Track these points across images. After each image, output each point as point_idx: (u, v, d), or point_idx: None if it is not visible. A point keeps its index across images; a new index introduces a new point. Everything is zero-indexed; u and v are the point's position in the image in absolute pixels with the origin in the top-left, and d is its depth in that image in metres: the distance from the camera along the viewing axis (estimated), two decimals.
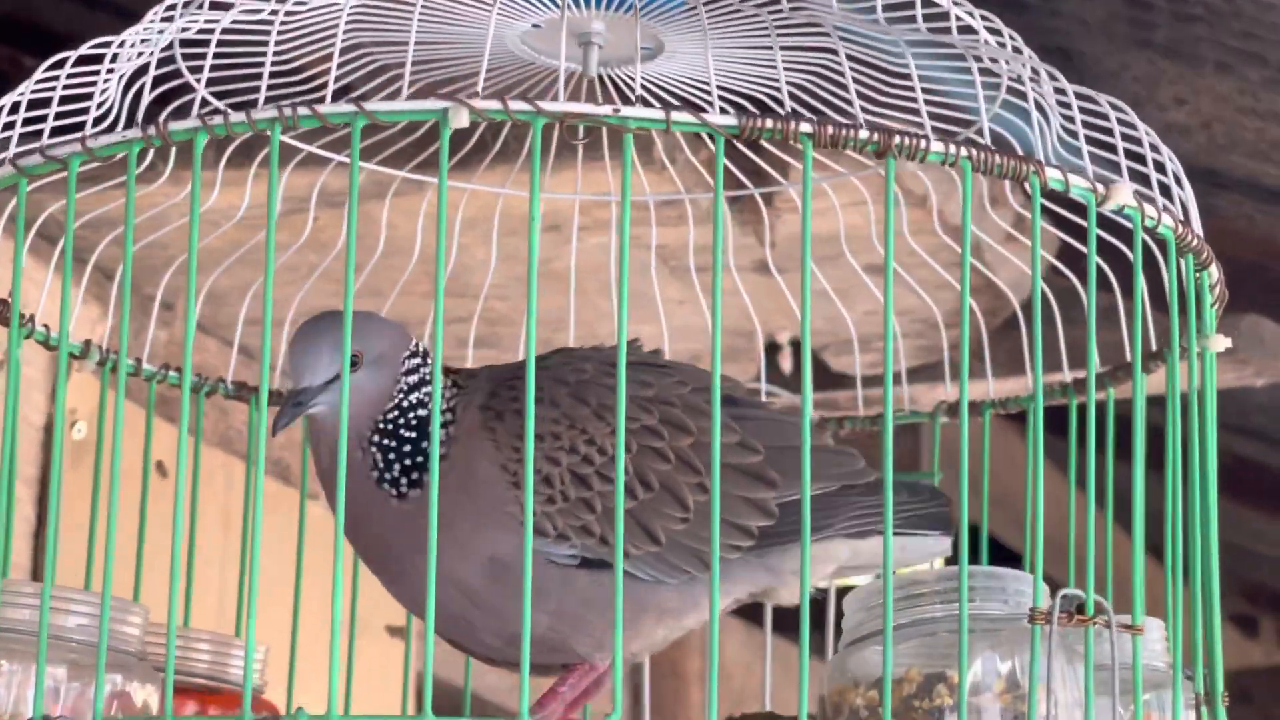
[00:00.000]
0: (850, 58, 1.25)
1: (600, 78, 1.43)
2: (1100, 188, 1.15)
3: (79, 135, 1.13)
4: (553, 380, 1.27)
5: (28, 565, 1.91)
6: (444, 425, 1.26)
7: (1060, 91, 1.21)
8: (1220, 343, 1.23)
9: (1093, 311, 1.18)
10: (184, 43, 1.28)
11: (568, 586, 1.24)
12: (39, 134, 1.17)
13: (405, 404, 1.27)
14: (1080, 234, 1.26)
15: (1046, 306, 1.56)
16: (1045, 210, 1.87)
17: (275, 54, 1.28)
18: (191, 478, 1.19)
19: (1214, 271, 1.24)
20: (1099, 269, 1.37)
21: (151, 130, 1.11)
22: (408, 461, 1.26)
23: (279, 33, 1.28)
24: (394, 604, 1.33)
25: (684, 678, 3.01)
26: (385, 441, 1.26)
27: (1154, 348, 1.38)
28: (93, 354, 1.47)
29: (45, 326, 1.43)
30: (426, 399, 1.27)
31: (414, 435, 1.26)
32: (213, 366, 1.95)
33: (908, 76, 1.16)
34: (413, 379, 1.28)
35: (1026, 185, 1.11)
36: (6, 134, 1.20)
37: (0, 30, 2.17)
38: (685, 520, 1.25)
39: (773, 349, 2.23)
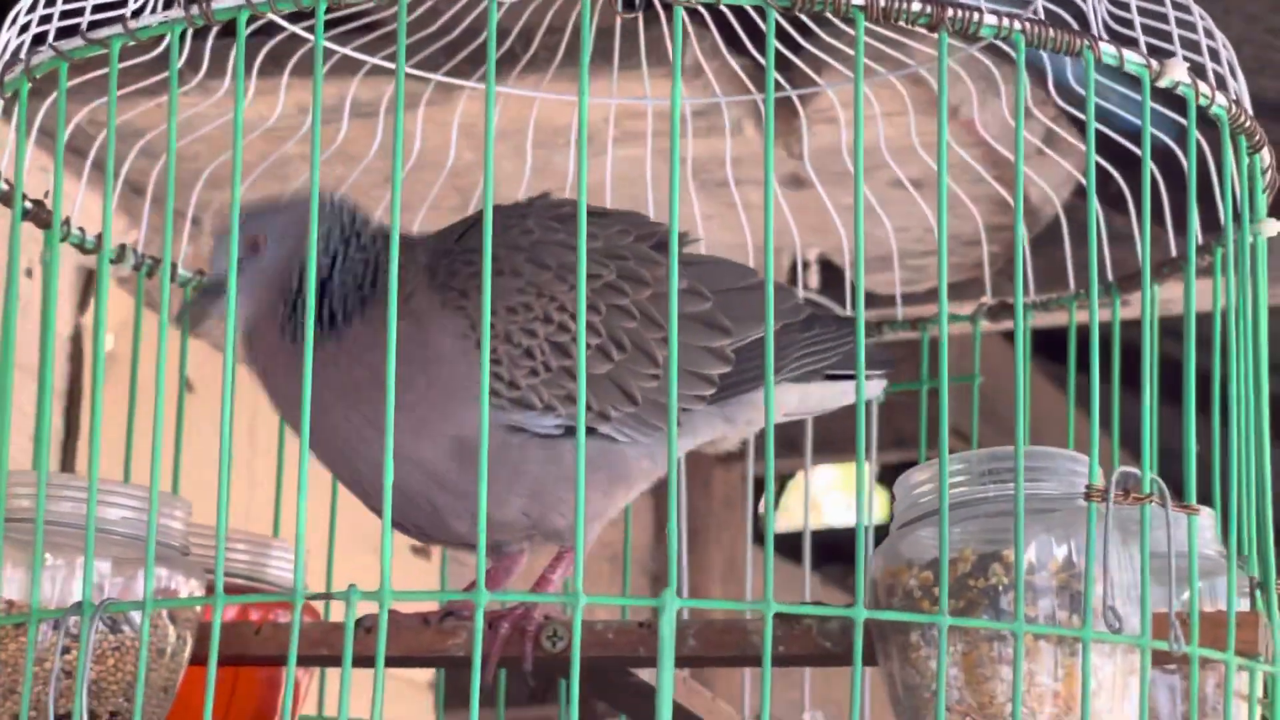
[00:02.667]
0: None
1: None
2: (1154, 63, 1.14)
3: (119, 14, 1.12)
4: (507, 247, 1.25)
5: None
6: (370, 283, 1.24)
7: None
8: (1272, 227, 1.22)
9: (1147, 196, 1.16)
10: None
11: (552, 460, 1.22)
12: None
13: (324, 260, 1.25)
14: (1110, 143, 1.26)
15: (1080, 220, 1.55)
16: (1073, 123, 1.85)
17: None
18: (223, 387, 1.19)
19: (1266, 156, 1.23)
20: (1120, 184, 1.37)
21: (195, 10, 1.09)
22: (319, 313, 1.23)
23: None
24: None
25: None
26: (297, 304, 1.24)
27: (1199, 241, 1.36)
28: (128, 257, 1.46)
29: (81, 229, 1.42)
30: (325, 265, 1.24)
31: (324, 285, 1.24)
32: None
33: None
34: (334, 237, 1.25)
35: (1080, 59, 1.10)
36: (44, 27, 1.19)
37: None
38: (655, 377, 1.24)
39: (801, 267, 2.22)
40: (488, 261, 1.06)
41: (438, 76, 1.53)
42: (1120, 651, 1.09)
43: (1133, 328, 1.51)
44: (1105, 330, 1.50)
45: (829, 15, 1.05)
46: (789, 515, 3.96)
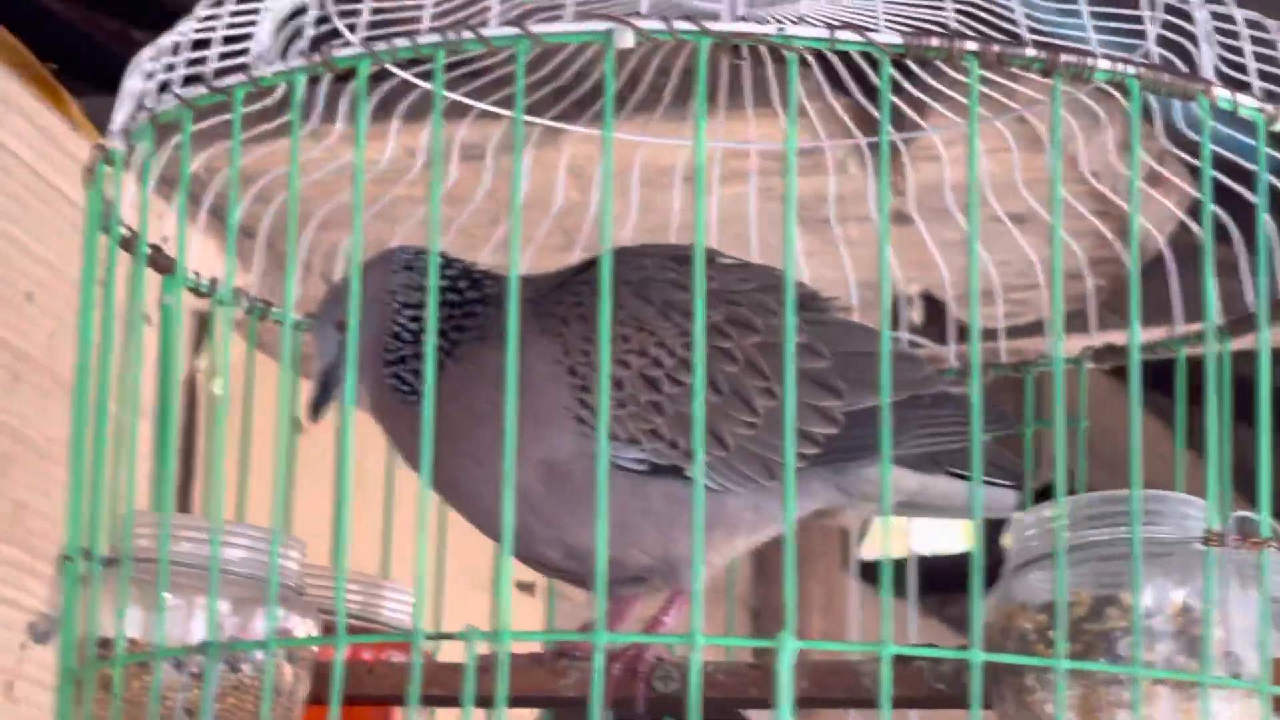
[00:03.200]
0: None
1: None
2: (1269, 107, 1.14)
3: (242, 62, 1.14)
4: (617, 282, 1.23)
5: None
6: (467, 317, 1.26)
7: (1222, 17, 1.19)
8: None
9: (1263, 244, 1.16)
10: None
11: (633, 495, 1.22)
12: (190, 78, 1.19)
13: (396, 326, 1.28)
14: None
15: (1182, 255, 1.55)
16: (1177, 157, 1.84)
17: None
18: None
19: None
20: (1222, 217, 1.37)
21: (316, 58, 1.11)
22: (417, 364, 1.26)
23: None
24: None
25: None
26: (401, 354, 1.27)
27: None
28: (241, 301, 1.47)
29: (196, 273, 1.44)
30: (415, 311, 1.27)
31: (410, 350, 1.27)
32: None
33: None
34: (405, 291, 1.28)
35: (1194, 104, 1.10)
36: (167, 74, 1.21)
37: (110, 3, 2.19)
38: (753, 425, 1.23)
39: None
40: (605, 297, 1.07)
41: (545, 121, 1.54)
42: (1239, 697, 1.09)
43: (1243, 361, 1.52)
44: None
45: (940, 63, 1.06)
46: (877, 544, 3.94)
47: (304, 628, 1.24)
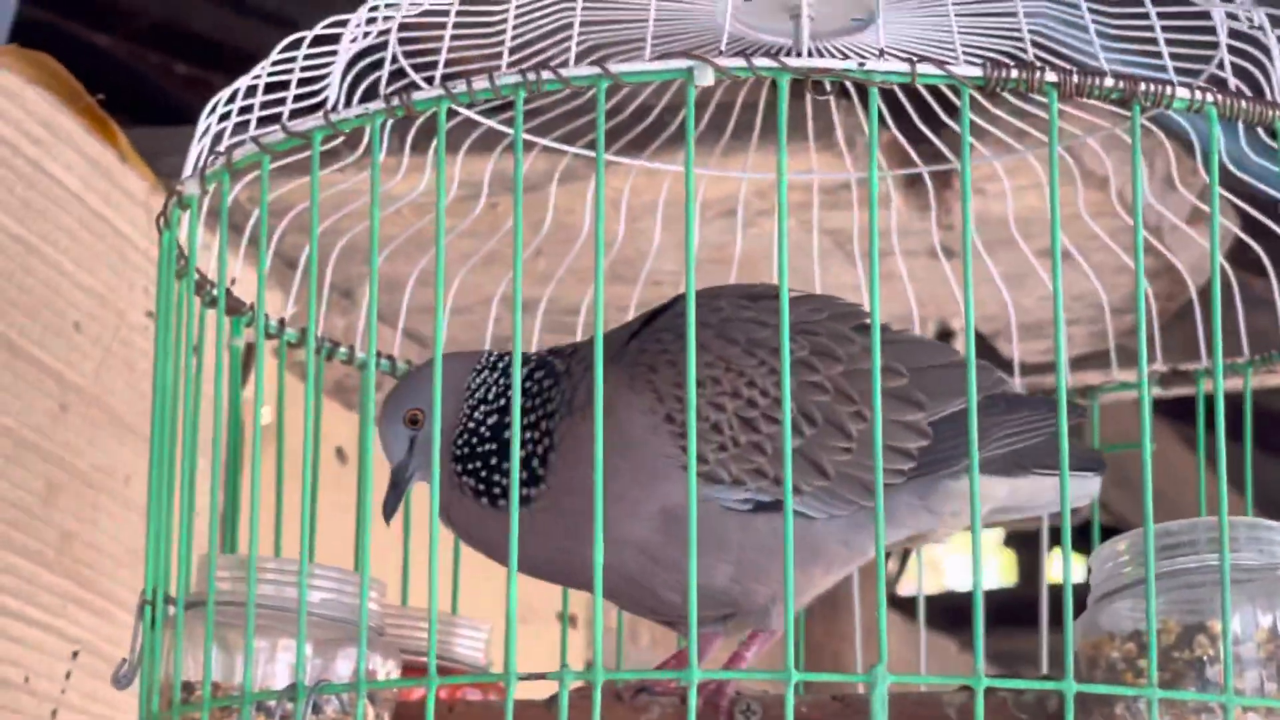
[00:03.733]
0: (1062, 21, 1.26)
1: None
2: None
3: (321, 111, 1.14)
4: (696, 324, 1.25)
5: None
6: (544, 416, 1.27)
7: None
8: None
9: None
10: (399, 27, 1.30)
11: (746, 533, 1.23)
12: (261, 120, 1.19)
13: (472, 422, 1.28)
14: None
15: (1226, 289, 1.55)
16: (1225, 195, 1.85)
17: (490, 35, 1.30)
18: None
19: None
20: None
21: (395, 101, 1.12)
22: (496, 475, 1.26)
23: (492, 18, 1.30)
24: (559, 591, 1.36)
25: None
26: (470, 466, 1.27)
27: None
28: (287, 335, 1.48)
29: (273, 318, 1.45)
30: (494, 408, 1.28)
31: (491, 446, 1.27)
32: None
33: (1142, 16, 1.16)
34: (479, 394, 1.29)
35: (1273, 129, 1.10)
36: (244, 117, 1.21)
37: (153, 37, 2.20)
38: (849, 450, 1.24)
39: (945, 335, 2.23)
40: (691, 335, 1.07)
41: (617, 157, 1.54)
42: None
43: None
44: (1239, 397, 1.51)
45: (1020, 92, 1.06)
46: (911, 580, 3.94)
47: (385, 668, 1.25)
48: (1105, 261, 1.87)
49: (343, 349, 1.49)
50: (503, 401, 1.28)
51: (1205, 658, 1.09)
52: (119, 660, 1.24)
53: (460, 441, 1.28)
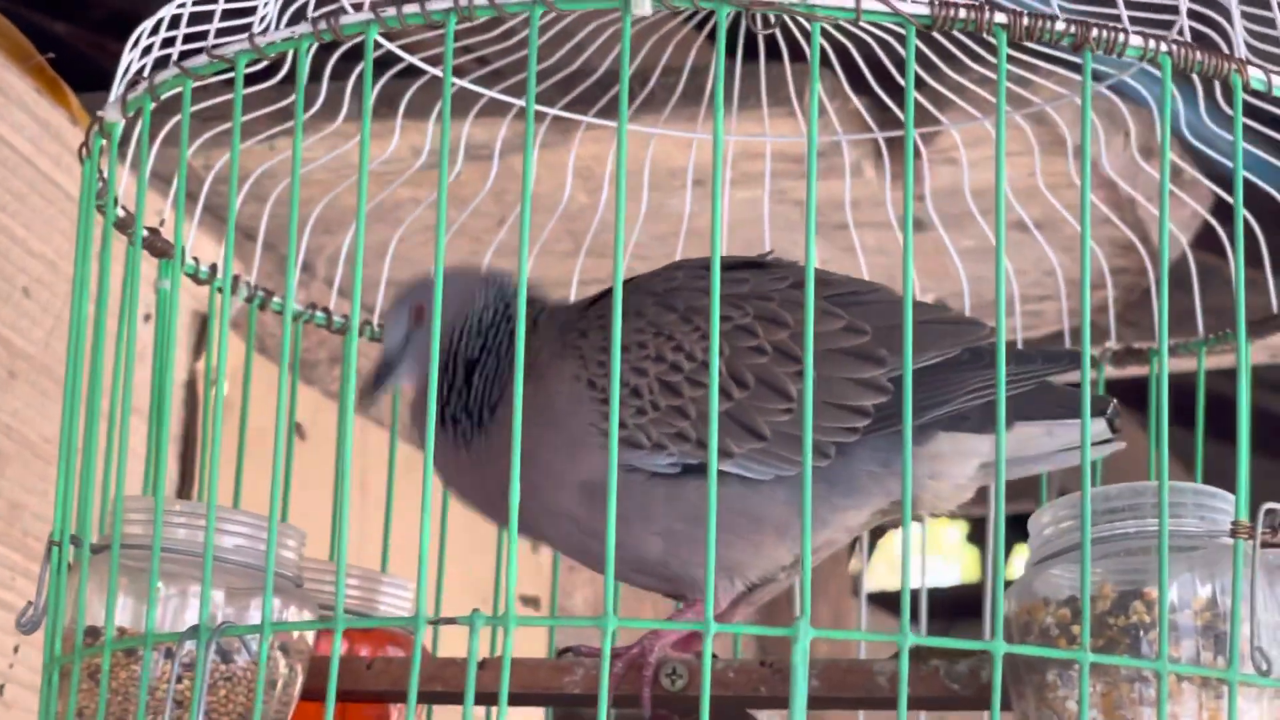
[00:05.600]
0: None
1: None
2: None
3: (246, 34, 1.11)
4: (642, 293, 1.25)
5: None
6: (500, 371, 1.26)
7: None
8: None
9: None
10: None
11: (674, 502, 1.21)
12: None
13: (456, 344, 1.28)
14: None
15: (1184, 265, 1.52)
16: (1198, 163, 1.82)
17: None
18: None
19: None
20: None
21: (323, 25, 1.08)
22: (463, 408, 1.26)
23: None
24: (526, 575, 1.31)
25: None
26: (454, 387, 1.27)
27: None
28: (241, 290, 1.44)
29: (195, 259, 1.41)
30: (478, 343, 1.27)
31: (461, 375, 1.27)
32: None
33: None
34: (475, 318, 1.28)
35: (1228, 82, 1.07)
36: (166, 50, 1.17)
37: (111, 25, 2.16)
38: (789, 411, 1.20)
39: None
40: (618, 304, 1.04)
41: (556, 110, 1.51)
42: (1267, 695, 1.05)
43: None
44: (1193, 378, 1.48)
45: (966, 40, 1.02)
46: (878, 575, 3.91)
47: (300, 619, 1.20)
48: (1078, 235, 1.84)
49: (275, 300, 1.45)
50: (483, 340, 1.28)
51: (1140, 624, 1.05)
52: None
53: (452, 360, 1.28)
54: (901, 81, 1.50)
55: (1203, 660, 1.05)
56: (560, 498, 1.21)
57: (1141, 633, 1.05)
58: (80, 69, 1.87)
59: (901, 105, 1.56)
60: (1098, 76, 1.45)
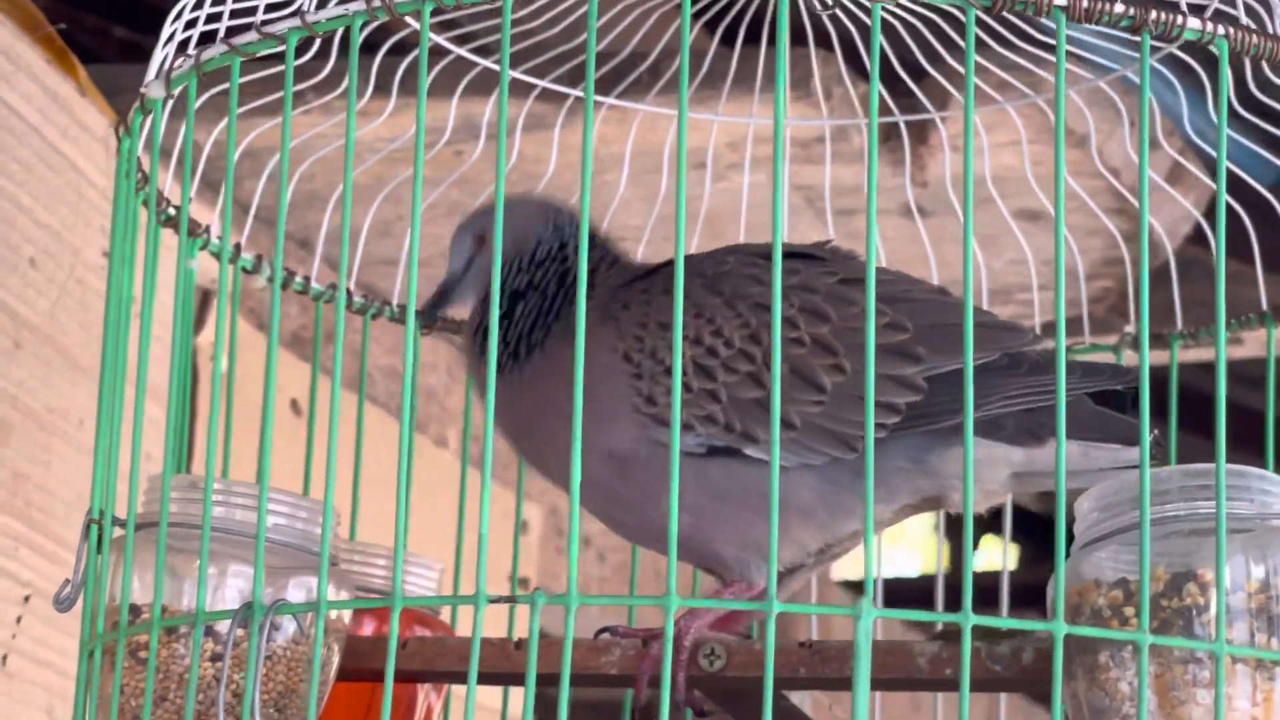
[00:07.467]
0: None
1: None
2: None
3: (295, 9, 1.10)
4: (690, 273, 1.24)
5: None
6: (550, 309, 1.27)
7: None
8: None
9: None
10: None
11: (700, 478, 1.21)
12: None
13: (511, 274, 1.29)
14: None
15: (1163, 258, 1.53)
16: (1200, 158, 1.83)
17: None
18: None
19: None
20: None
21: (376, 2, 1.07)
22: (501, 339, 1.26)
23: None
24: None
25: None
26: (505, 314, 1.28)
27: None
28: (264, 269, 1.43)
29: (217, 238, 1.40)
30: (528, 277, 1.28)
31: (505, 306, 1.28)
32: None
33: None
34: (531, 251, 1.29)
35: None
36: (210, 25, 1.16)
37: (92, 1, 2.15)
38: (820, 403, 1.21)
39: None
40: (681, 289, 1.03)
41: (552, 87, 1.50)
42: None
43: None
44: (1166, 371, 1.49)
45: (1029, 15, 1.03)
46: (849, 565, 3.92)
47: (338, 598, 1.20)
48: (1079, 224, 1.85)
49: (298, 279, 1.45)
50: (530, 277, 1.29)
51: (1194, 606, 1.06)
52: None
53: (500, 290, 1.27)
54: (903, 75, 1.51)
55: (1256, 642, 1.05)
56: (588, 464, 1.21)
57: (1195, 614, 1.06)
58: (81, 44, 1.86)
59: (908, 92, 1.56)
60: (1104, 70, 1.46)
